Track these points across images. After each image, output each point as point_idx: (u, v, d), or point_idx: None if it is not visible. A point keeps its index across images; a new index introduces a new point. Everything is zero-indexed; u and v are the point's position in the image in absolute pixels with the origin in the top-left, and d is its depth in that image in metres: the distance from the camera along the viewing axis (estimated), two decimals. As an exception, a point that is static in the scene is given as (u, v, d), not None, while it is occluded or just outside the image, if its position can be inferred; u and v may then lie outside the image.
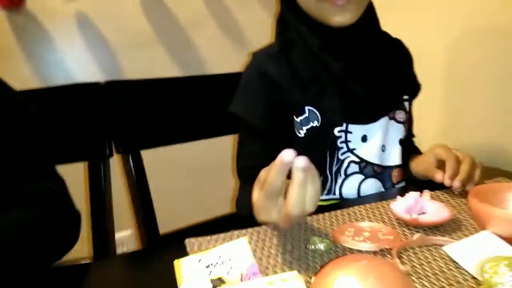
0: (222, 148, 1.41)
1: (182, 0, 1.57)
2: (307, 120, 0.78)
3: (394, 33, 0.90)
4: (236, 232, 0.65)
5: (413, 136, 0.97)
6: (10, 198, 0.62)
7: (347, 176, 0.81)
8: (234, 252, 0.50)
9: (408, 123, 0.88)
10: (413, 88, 0.91)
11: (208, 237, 0.64)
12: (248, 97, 0.80)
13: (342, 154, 0.79)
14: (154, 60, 1.56)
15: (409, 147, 0.91)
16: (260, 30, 1.62)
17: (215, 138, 1.02)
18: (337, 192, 0.81)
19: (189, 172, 1.62)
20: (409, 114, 0.88)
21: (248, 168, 0.81)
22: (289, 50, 0.80)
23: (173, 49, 1.59)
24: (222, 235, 0.64)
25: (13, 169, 0.65)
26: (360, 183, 0.81)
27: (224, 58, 1.64)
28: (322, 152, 0.79)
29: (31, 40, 1.40)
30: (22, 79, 1.38)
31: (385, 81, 0.82)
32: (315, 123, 0.78)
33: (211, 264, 0.49)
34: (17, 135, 0.68)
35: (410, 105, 0.89)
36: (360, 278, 0.38)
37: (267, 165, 0.78)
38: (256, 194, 0.53)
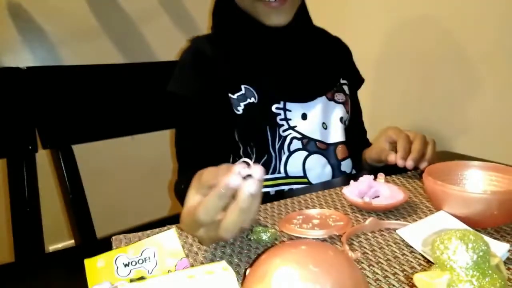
0: (162, 144, 1.33)
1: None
2: (244, 97, 0.78)
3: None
4: (173, 226, 0.57)
5: (364, 131, 0.98)
6: None
7: (291, 153, 0.79)
8: (160, 246, 0.43)
9: (352, 111, 0.90)
10: (355, 79, 0.93)
11: (140, 233, 0.56)
12: (184, 75, 0.80)
13: (284, 131, 0.78)
14: (99, 53, 1.45)
15: (362, 141, 0.94)
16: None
17: (155, 132, 0.94)
18: (282, 170, 0.79)
19: (128, 170, 1.51)
20: (352, 102, 0.90)
21: (187, 148, 0.79)
22: (226, 37, 0.80)
23: (120, 41, 1.49)
24: (156, 230, 0.56)
25: None
26: (305, 159, 0.80)
27: (174, 48, 1.56)
28: (262, 128, 0.77)
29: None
30: None
31: (321, 65, 0.84)
32: (252, 100, 0.77)
33: (132, 262, 0.41)
34: None
35: (353, 94, 0.92)
36: (298, 266, 0.32)
37: (205, 145, 0.75)
38: (191, 199, 0.44)
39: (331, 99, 0.84)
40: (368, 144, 0.93)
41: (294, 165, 0.79)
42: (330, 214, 0.56)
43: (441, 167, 0.58)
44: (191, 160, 0.76)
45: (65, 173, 0.81)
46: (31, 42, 1.37)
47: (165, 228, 0.56)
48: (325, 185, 0.74)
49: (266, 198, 0.66)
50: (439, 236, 0.30)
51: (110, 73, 0.92)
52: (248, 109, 0.77)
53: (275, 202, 0.64)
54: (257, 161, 0.78)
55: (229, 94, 0.77)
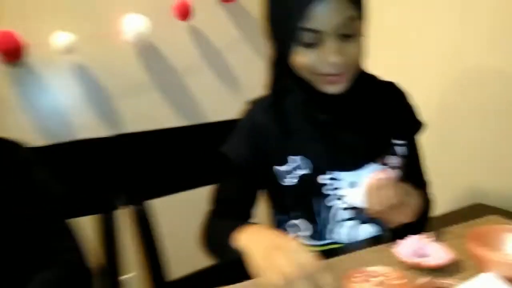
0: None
1: (176, 48, 1.64)
2: (290, 169, 0.82)
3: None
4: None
5: (420, 180, 0.94)
6: (30, 259, 0.64)
7: (339, 222, 0.83)
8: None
9: (408, 158, 0.89)
10: (412, 123, 0.92)
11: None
12: (236, 140, 0.87)
13: (331, 201, 0.82)
14: (151, 107, 1.60)
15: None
16: (253, 75, 1.69)
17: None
18: (331, 237, 0.83)
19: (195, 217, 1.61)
20: (406, 157, 0.89)
21: (222, 201, 0.87)
22: (280, 101, 0.85)
23: (168, 96, 1.64)
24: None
25: (30, 231, 0.68)
26: (355, 228, 0.83)
27: (218, 103, 1.70)
28: (307, 199, 0.82)
29: (29, 92, 1.43)
30: (20, 131, 1.40)
31: (372, 128, 0.85)
32: (298, 171, 0.82)
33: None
34: (28, 197, 0.71)
35: (410, 145, 0.90)
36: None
37: (241, 202, 0.85)
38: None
39: (383, 164, 0.84)
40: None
41: (344, 234, 0.83)
42: (386, 272, 0.65)
43: (483, 231, 0.66)
44: (224, 212, 0.86)
45: (140, 226, 0.92)
46: (96, 104, 1.54)
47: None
48: (367, 243, 0.80)
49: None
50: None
51: (172, 135, 1.05)
52: (294, 180, 0.82)
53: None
54: (305, 229, 0.85)
55: (276, 167, 0.83)
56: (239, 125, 0.89)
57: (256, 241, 0.66)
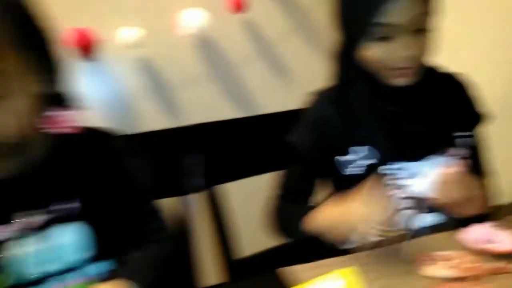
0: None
1: (232, 40, 1.70)
2: (358, 158, 0.86)
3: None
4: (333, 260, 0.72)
5: (482, 172, 0.93)
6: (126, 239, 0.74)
7: (401, 211, 0.84)
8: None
9: (471, 158, 0.89)
10: (472, 119, 0.93)
11: (300, 266, 0.71)
12: (301, 130, 0.91)
13: (391, 190, 0.83)
14: (207, 98, 1.68)
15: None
16: (306, 66, 1.73)
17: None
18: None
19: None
20: (471, 149, 0.90)
21: (287, 187, 0.93)
22: (345, 92, 0.88)
23: (224, 87, 1.71)
24: (321, 262, 0.71)
25: (124, 214, 0.77)
26: (412, 217, 0.85)
27: (271, 94, 1.75)
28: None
29: (99, 84, 1.55)
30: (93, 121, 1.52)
31: (435, 120, 0.87)
32: (368, 161, 0.85)
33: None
34: (120, 182, 0.79)
35: (474, 136, 0.91)
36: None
37: (305, 189, 0.91)
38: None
39: (449, 155, 0.85)
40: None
41: (402, 223, 0.83)
42: (458, 256, 0.68)
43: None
44: (287, 198, 0.92)
45: (217, 208, 1.01)
46: (158, 95, 1.63)
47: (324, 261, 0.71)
48: (431, 230, 0.83)
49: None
50: None
51: (240, 126, 1.13)
52: (360, 169, 0.85)
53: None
54: None
55: (339, 157, 0.87)
56: (304, 115, 0.93)
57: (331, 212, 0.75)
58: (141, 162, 0.83)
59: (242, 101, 1.74)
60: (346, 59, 0.86)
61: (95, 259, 0.74)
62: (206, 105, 1.67)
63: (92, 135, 0.78)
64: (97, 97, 1.55)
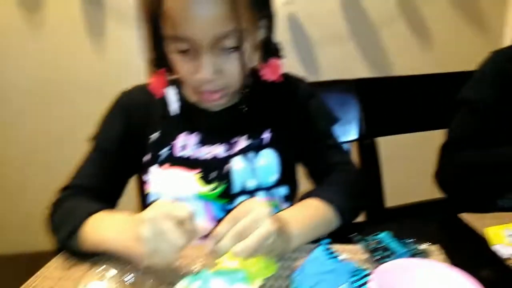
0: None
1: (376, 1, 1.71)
2: None
3: None
4: None
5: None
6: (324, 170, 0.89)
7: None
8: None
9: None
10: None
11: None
12: (482, 84, 0.95)
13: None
14: (346, 57, 1.74)
15: None
16: (448, 30, 1.70)
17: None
18: None
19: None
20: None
21: (462, 138, 0.96)
22: None
23: (362, 47, 1.75)
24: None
25: (314, 148, 0.91)
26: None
27: (410, 57, 1.75)
28: None
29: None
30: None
31: None
32: None
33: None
34: (305, 120, 0.92)
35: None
36: None
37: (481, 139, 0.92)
38: None
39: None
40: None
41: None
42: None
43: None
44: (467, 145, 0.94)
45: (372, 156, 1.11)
46: (301, 52, 1.74)
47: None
48: None
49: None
50: None
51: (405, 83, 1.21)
52: None
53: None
54: None
55: None
56: (481, 71, 0.97)
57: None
58: (325, 105, 0.95)
59: (377, 61, 1.77)
60: None
61: (281, 182, 0.88)
62: (343, 64, 1.73)
63: (288, 80, 0.92)
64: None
